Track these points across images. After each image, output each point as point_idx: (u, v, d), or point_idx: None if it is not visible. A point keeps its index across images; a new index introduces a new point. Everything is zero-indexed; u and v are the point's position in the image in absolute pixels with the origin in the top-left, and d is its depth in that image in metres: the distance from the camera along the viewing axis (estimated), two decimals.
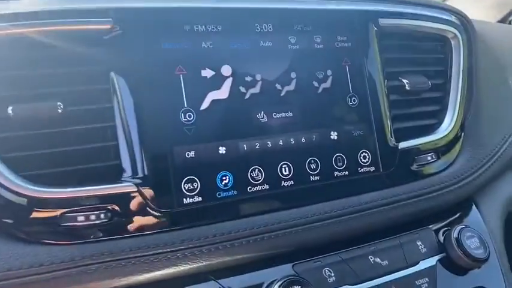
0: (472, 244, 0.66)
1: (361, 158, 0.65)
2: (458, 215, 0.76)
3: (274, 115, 0.61)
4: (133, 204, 0.53)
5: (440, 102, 0.78)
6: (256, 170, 0.59)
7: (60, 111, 0.51)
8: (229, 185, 0.57)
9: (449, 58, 0.79)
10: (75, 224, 0.50)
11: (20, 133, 0.50)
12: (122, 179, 0.53)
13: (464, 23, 0.82)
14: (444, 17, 0.79)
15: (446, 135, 0.75)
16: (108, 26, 0.54)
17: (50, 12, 0.52)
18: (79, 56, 0.54)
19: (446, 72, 0.79)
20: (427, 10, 0.77)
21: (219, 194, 0.57)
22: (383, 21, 0.71)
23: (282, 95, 0.62)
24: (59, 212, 0.50)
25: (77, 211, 0.50)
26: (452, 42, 0.79)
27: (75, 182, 0.51)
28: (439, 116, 0.77)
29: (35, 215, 0.49)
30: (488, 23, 1.27)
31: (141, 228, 0.53)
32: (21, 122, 0.50)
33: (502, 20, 1.56)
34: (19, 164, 0.50)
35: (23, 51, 0.52)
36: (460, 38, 0.79)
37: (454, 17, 0.81)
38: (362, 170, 0.65)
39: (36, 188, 0.49)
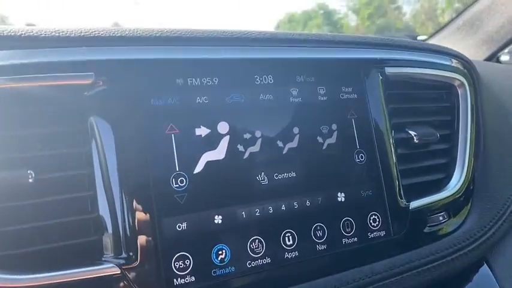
0: None
1: (371, 221, 0.59)
2: (471, 278, 0.70)
3: (276, 176, 0.55)
4: None
5: (448, 154, 0.72)
6: (257, 241, 0.52)
7: (31, 180, 0.44)
8: (226, 260, 0.50)
9: (456, 107, 0.75)
10: None
11: None
12: (103, 259, 0.46)
13: (469, 69, 0.78)
14: (451, 64, 0.75)
15: (457, 191, 0.69)
16: (89, 81, 0.47)
17: (20, 66, 0.45)
18: (55, 115, 0.47)
19: (453, 122, 0.74)
20: (434, 57, 0.73)
21: (215, 272, 0.49)
22: (389, 70, 0.66)
23: (284, 153, 0.56)
24: None
25: None
26: (459, 91, 0.74)
27: (46, 266, 0.43)
28: (447, 170, 0.72)
29: None
30: (483, 63, 1.24)
31: None
32: None
33: (489, 58, 1.54)
34: None
35: None
36: (466, 85, 0.75)
37: (459, 62, 0.77)
38: (372, 235, 0.59)
39: None
